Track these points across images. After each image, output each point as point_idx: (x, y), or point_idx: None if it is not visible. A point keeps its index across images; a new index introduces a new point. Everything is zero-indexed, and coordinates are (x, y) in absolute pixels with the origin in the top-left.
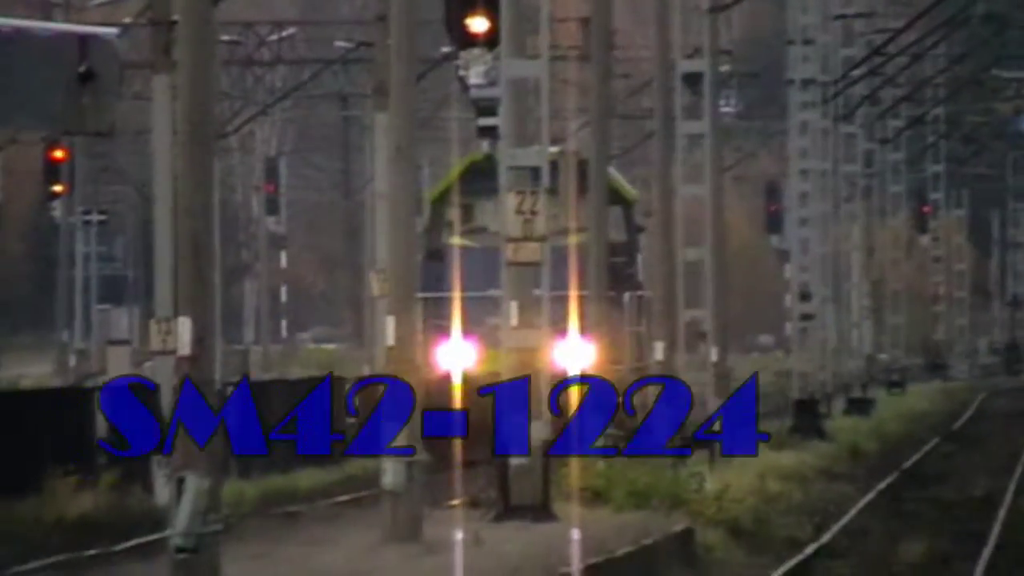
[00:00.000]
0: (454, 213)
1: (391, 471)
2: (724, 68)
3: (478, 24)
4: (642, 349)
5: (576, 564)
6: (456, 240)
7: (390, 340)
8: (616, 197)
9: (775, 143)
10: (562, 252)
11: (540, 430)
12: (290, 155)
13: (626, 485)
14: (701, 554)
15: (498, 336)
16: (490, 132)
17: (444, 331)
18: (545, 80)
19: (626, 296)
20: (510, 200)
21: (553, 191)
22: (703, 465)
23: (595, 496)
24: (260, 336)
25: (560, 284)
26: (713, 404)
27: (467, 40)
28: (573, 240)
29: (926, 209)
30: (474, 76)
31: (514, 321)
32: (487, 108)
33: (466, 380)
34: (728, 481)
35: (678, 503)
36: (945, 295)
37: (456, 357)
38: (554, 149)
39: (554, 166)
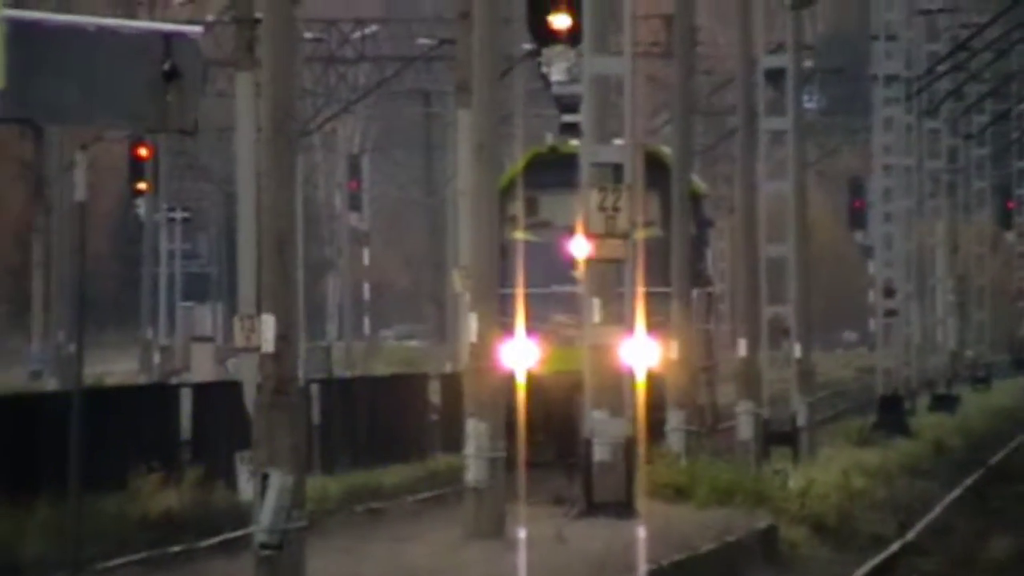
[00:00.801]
0: (517, 207)
1: (474, 468)
2: (807, 64)
3: (560, 21)
4: (711, 347)
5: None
6: (519, 235)
7: (473, 337)
8: None
9: (859, 139)
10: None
11: (623, 427)
12: (373, 152)
13: (709, 482)
14: (784, 551)
15: (562, 334)
16: (572, 129)
17: (507, 329)
18: (628, 77)
19: (694, 292)
20: (592, 197)
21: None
22: (786, 462)
23: (678, 493)
24: (343, 333)
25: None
26: (797, 400)
27: (549, 37)
28: (640, 235)
29: (1011, 205)
30: (556, 73)
31: (596, 318)
32: (570, 105)
33: (530, 379)
34: (812, 478)
35: (761, 500)
36: None
37: (520, 355)
38: (618, 142)
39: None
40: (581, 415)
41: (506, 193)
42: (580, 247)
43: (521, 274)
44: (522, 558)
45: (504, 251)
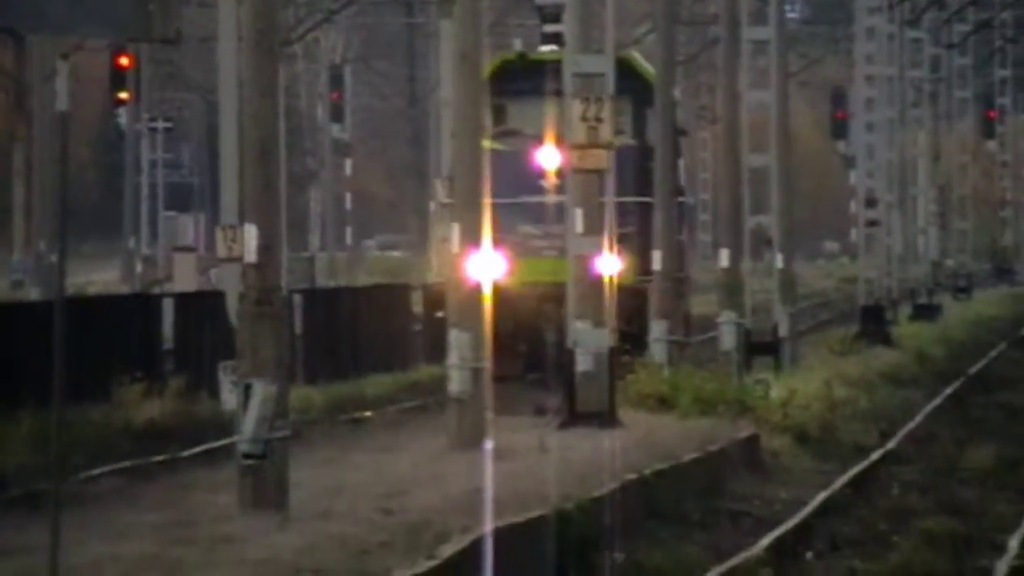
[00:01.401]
0: (485, 115)
1: (457, 378)
2: None
3: None
4: (683, 258)
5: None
6: (486, 144)
7: (455, 247)
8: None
9: (841, 49)
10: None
11: (604, 337)
12: (355, 63)
13: (691, 392)
14: (767, 460)
15: (530, 245)
16: (555, 39)
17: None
18: None
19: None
20: (575, 107)
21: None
22: (768, 372)
23: (660, 403)
24: (326, 244)
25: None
26: (779, 311)
27: None
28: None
29: (992, 114)
30: None
31: (579, 228)
32: (552, 14)
33: (497, 292)
34: (794, 388)
35: (743, 410)
36: (1012, 200)
37: (486, 267)
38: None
39: None
40: (550, 327)
41: None
42: (549, 156)
43: (488, 184)
44: (505, 467)
45: None
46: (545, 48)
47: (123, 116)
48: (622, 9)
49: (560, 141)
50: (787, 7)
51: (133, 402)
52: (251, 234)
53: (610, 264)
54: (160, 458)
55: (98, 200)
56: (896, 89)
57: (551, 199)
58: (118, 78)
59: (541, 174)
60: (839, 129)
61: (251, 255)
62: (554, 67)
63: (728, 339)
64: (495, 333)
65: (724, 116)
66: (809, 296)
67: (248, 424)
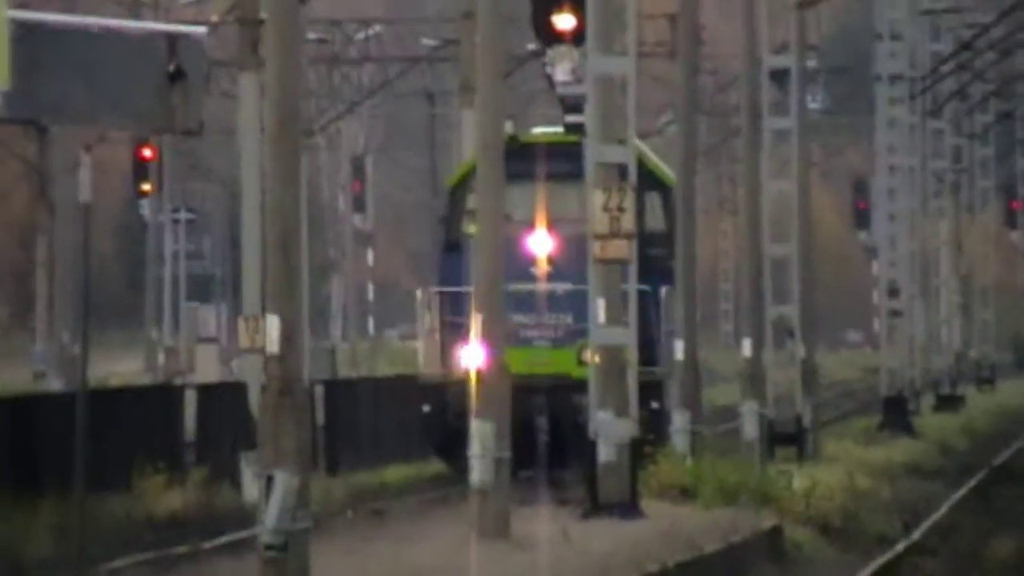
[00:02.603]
0: (474, 200)
1: (479, 468)
2: (811, 63)
3: (564, 21)
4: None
5: (665, 562)
6: (473, 229)
7: (476, 336)
8: (653, 181)
9: (862, 139)
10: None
11: (627, 427)
12: (377, 153)
13: (714, 482)
14: (790, 551)
15: (520, 335)
16: (577, 129)
17: (462, 328)
18: (632, 77)
19: (663, 291)
20: (597, 197)
21: (581, 175)
22: (791, 462)
23: (683, 493)
24: (347, 333)
25: (586, 279)
26: (801, 401)
27: (553, 37)
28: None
29: (1015, 204)
30: (560, 73)
31: (602, 318)
32: (573, 105)
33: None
34: (816, 478)
35: (766, 500)
36: None
37: (476, 357)
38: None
39: (581, 149)
40: (542, 421)
41: (462, 186)
42: (541, 242)
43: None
44: (528, 558)
45: (458, 247)
46: (537, 130)
47: (146, 207)
48: (643, 99)
49: (551, 226)
50: (808, 97)
51: (155, 493)
52: (273, 325)
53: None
54: (182, 549)
55: (121, 290)
56: (918, 179)
57: (542, 287)
58: (141, 169)
59: (532, 261)
60: (861, 219)
61: (273, 346)
62: (546, 150)
63: (750, 429)
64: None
65: (745, 206)
66: (831, 386)
67: (270, 515)
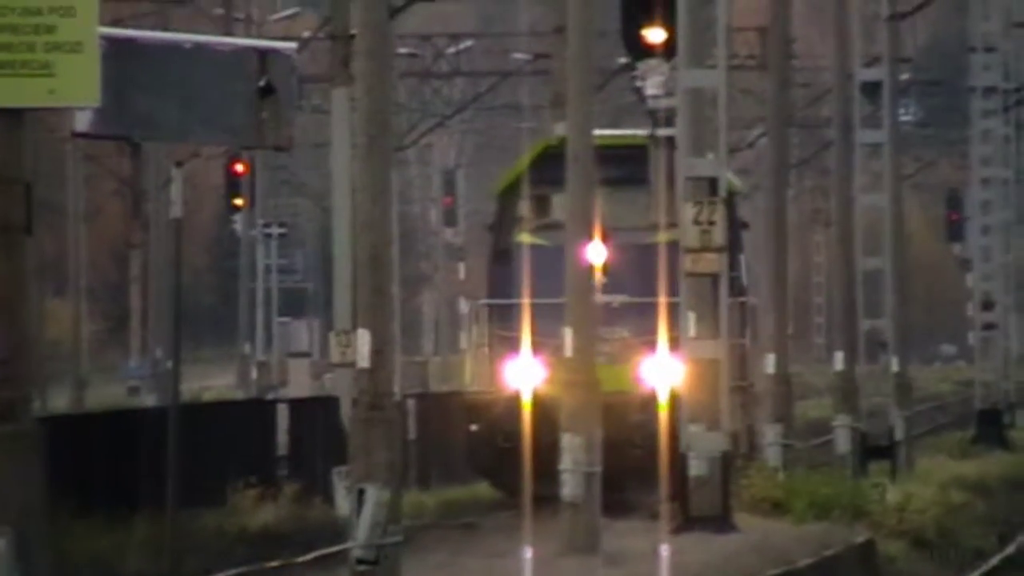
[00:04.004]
0: (525, 207)
1: (570, 482)
2: (904, 76)
3: (655, 35)
4: (744, 364)
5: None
6: (526, 238)
7: (568, 351)
8: None
9: (956, 151)
10: (649, 252)
11: (719, 441)
12: (468, 167)
13: (807, 496)
14: (883, 565)
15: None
16: (668, 143)
17: (513, 343)
18: (723, 90)
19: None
20: (688, 210)
21: (643, 181)
22: (884, 475)
23: (775, 507)
24: (439, 347)
25: (645, 289)
26: (894, 414)
27: (644, 51)
28: (662, 239)
29: None
30: (651, 87)
31: (692, 331)
32: (664, 118)
33: (536, 402)
34: (910, 492)
35: (859, 514)
36: None
37: (526, 375)
38: (642, 133)
39: (643, 152)
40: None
41: (511, 191)
42: (596, 252)
43: (527, 283)
44: (619, 573)
45: (508, 257)
46: (597, 132)
47: (238, 222)
48: (734, 112)
49: (606, 236)
50: (901, 110)
51: (248, 507)
52: (364, 339)
53: (665, 371)
54: (275, 564)
55: (214, 305)
56: (1012, 191)
57: (599, 299)
58: (233, 185)
59: (587, 271)
60: (954, 231)
61: (364, 360)
62: (606, 154)
63: (843, 442)
64: (534, 450)
65: (837, 219)
66: (925, 399)
67: (361, 529)
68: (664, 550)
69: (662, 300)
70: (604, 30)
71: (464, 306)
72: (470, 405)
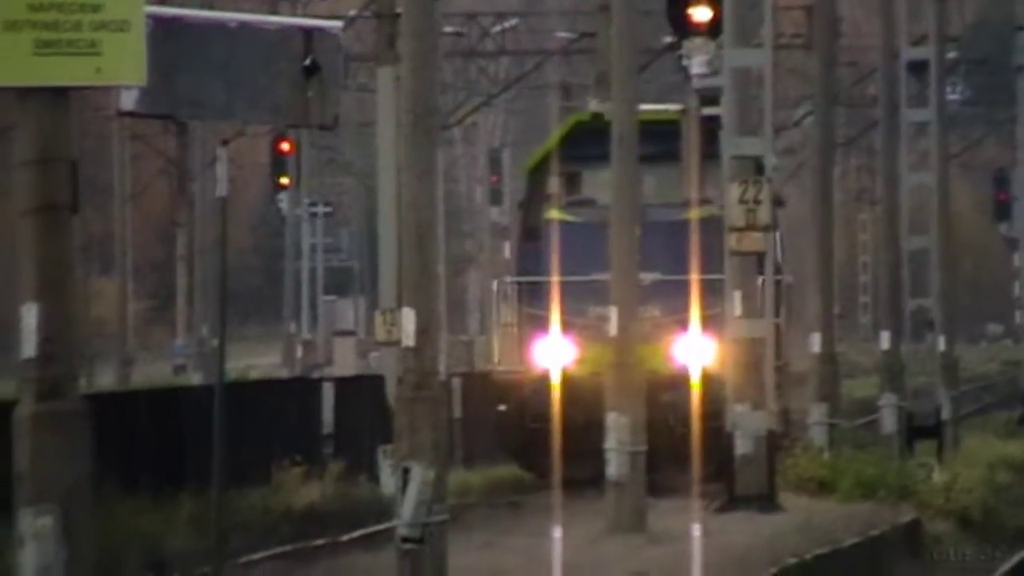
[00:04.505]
0: (555, 183)
1: (615, 461)
2: (951, 55)
3: (701, 13)
4: (780, 344)
5: (804, 554)
6: (555, 214)
7: (612, 330)
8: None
9: (1003, 130)
10: (680, 229)
11: (764, 420)
12: (514, 146)
13: (852, 476)
14: (929, 545)
15: (604, 329)
16: (713, 121)
17: (542, 322)
18: (769, 69)
19: (759, 281)
20: (733, 190)
21: (675, 157)
22: (931, 455)
23: (820, 487)
24: (484, 327)
25: (677, 267)
26: (941, 394)
27: (689, 29)
28: (694, 215)
29: None
30: (696, 66)
31: (738, 311)
32: (710, 98)
33: (565, 382)
34: (956, 472)
35: (905, 494)
36: None
37: (556, 354)
38: (674, 108)
39: (676, 128)
40: None
41: (541, 168)
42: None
43: (557, 260)
44: (665, 551)
45: (538, 233)
46: None
47: (284, 201)
48: (780, 91)
49: (642, 212)
50: (948, 89)
51: (293, 486)
52: (409, 318)
53: (698, 350)
54: (320, 542)
55: (259, 284)
56: None
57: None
58: (279, 163)
59: None
60: (1002, 211)
61: (409, 339)
62: (639, 129)
63: (889, 422)
64: (562, 429)
65: (884, 198)
66: (971, 379)
67: (407, 508)
68: (702, 529)
69: (694, 277)
70: (649, 9)
71: (494, 285)
72: (498, 385)
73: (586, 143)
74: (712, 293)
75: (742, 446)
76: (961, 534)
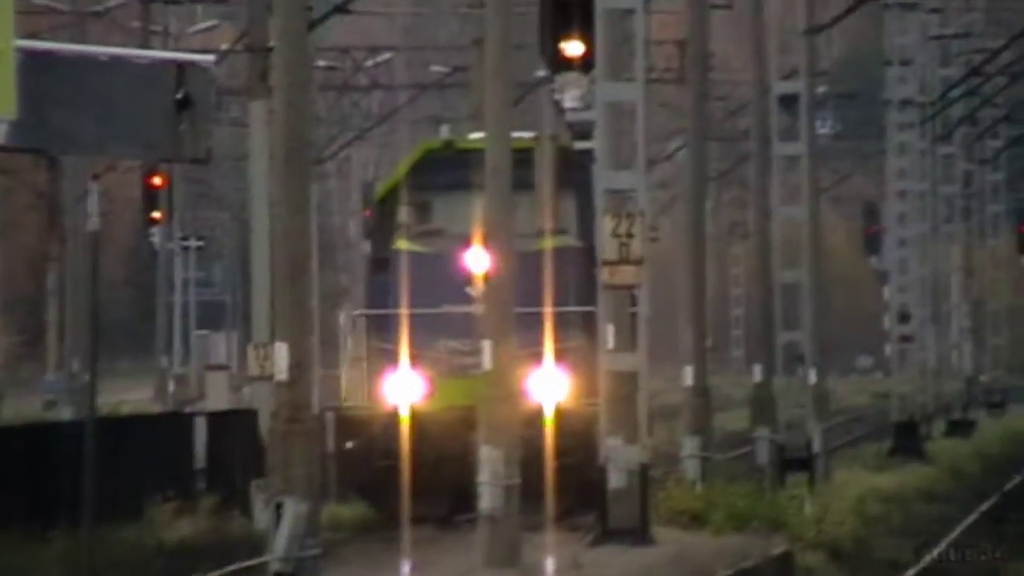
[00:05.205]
0: (404, 212)
1: (488, 495)
2: (821, 89)
3: (573, 48)
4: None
5: None
6: (403, 244)
7: (487, 364)
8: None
9: (872, 164)
10: (533, 260)
11: (637, 454)
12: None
13: (725, 508)
14: None
15: (454, 363)
16: (586, 156)
17: (391, 356)
18: (641, 103)
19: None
20: (607, 223)
21: (528, 186)
22: (802, 487)
23: (693, 519)
24: None
25: (529, 299)
26: (812, 426)
27: (562, 63)
28: (547, 244)
29: None
30: (569, 100)
31: (611, 344)
32: (583, 132)
33: (415, 418)
34: (828, 503)
35: (777, 526)
36: None
37: (405, 389)
38: (527, 135)
39: (528, 156)
40: (476, 459)
41: (390, 197)
42: (478, 259)
43: (407, 292)
44: None
45: (387, 264)
46: (477, 135)
47: (156, 235)
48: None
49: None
50: (818, 123)
51: (166, 521)
52: (282, 352)
53: (549, 385)
54: None
55: (131, 319)
56: (929, 204)
57: (479, 309)
58: (151, 198)
59: (468, 280)
60: (872, 244)
61: (282, 373)
62: (481, 157)
63: (761, 454)
64: (413, 467)
65: (756, 232)
66: (842, 411)
67: (280, 542)
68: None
69: (548, 310)
70: (523, 43)
71: (340, 318)
72: (345, 422)
73: (436, 171)
74: (565, 326)
75: (615, 480)
76: (832, 565)
